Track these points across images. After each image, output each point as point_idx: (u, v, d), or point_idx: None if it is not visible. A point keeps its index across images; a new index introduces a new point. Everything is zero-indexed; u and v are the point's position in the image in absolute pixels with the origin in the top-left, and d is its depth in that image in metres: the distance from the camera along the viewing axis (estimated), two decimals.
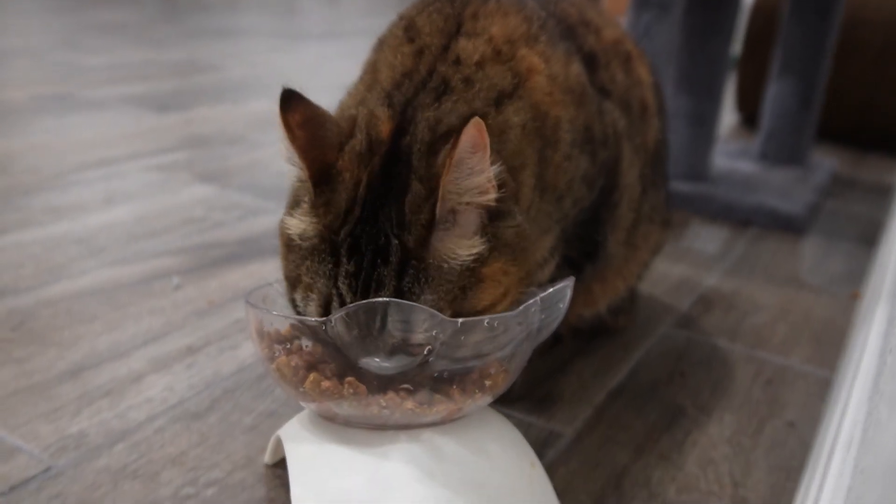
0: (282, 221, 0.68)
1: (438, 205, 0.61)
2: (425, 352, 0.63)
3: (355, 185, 0.64)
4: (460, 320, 0.62)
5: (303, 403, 0.68)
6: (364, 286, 0.62)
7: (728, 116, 2.52)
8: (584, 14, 0.94)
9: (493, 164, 0.63)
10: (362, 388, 0.63)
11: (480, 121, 0.59)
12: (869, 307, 1.04)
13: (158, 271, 1.18)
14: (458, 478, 0.64)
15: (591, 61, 0.88)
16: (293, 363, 0.65)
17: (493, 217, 0.65)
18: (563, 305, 0.69)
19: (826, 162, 2.04)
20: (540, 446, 0.84)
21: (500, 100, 0.72)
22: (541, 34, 0.79)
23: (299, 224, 0.65)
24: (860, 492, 0.42)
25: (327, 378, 0.64)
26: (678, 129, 1.70)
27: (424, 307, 0.61)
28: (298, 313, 0.67)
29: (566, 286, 0.69)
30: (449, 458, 0.65)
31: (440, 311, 0.62)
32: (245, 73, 2.72)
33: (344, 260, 0.63)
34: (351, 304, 0.61)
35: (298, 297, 0.65)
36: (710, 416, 0.93)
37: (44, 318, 1.02)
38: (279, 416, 0.85)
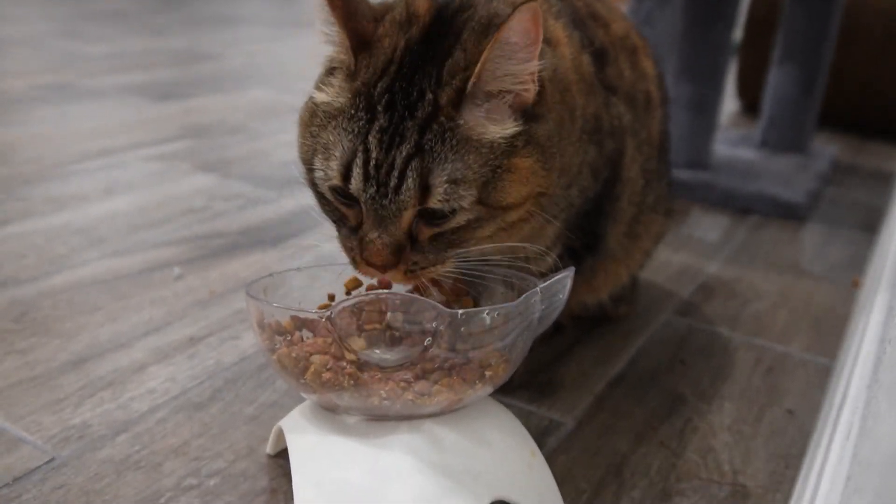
0: (306, 103, 0.68)
1: (473, 78, 0.61)
2: (426, 342, 0.63)
3: (393, 49, 0.64)
4: (460, 311, 0.62)
5: (304, 394, 0.68)
6: (390, 140, 0.62)
7: (728, 104, 2.52)
8: (592, 7, 0.94)
9: (540, 64, 0.63)
10: (363, 378, 0.63)
11: (538, 9, 0.59)
12: (869, 295, 1.04)
13: (160, 261, 1.18)
14: (458, 468, 0.64)
15: (601, 56, 0.87)
16: (294, 354, 0.66)
17: (527, 118, 0.65)
18: (563, 296, 0.69)
19: (827, 149, 2.04)
20: (540, 435, 0.85)
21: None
22: (560, 17, 0.79)
23: (328, 93, 0.65)
24: (859, 481, 0.42)
25: (328, 369, 0.64)
26: (679, 116, 1.69)
27: (425, 299, 0.61)
28: (315, 188, 0.67)
29: (566, 276, 0.69)
30: (449, 448, 0.65)
31: (465, 180, 0.61)
32: (245, 62, 2.71)
33: (380, 115, 0.63)
34: (349, 298, 0.62)
35: (318, 163, 0.65)
36: (710, 404, 0.94)
37: (46, 308, 1.02)
38: (281, 407, 0.86)
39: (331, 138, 0.64)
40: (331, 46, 0.66)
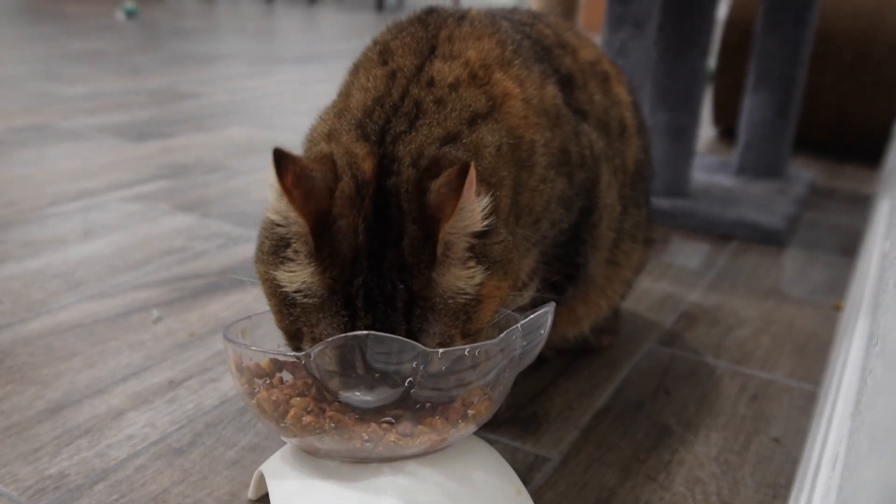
0: (266, 274, 0.65)
1: (439, 247, 0.61)
2: (406, 383, 0.62)
3: (354, 232, 0.62)
4: (441, 350, 0.61)
5: (284, 438, 0.67)
6: None
7: (705, 131, 2.54)
8: (561, 36, 0.94)
9: (482, 201, 0.63)
10: (344, 421, 0.62)
11: (471, 165, 0.60)
12: (850, 319, 1.05)
13: (139, 304, 1.17)
14: None
15: (567, 82, 0.88)
16: (274, 398, 0.65)
17: (479, 237, 0.65)
18: (545, 332, 0.69)
19: (804, 173, 2.06)
20: (526, 471, 0.84)
21: (474, 120, 0.72)
22: (514, 58, 0.79)
23: (296, 276, 0.62)
24: None
25: (309, 412, 0.63)
26: (657, 144, 1.70)
27: (404, 339, 0.60)
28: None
29: (547, 312, 0.69)
30: (434, 489, 0.64)
31: (451, 339, 0.62)
32: (224, 100, 2.71)
33: (361, 313, 0.62)
34: (330, 338, 0.61)
35: (307, 346, 0.64)
36: (696, 434, 0.93)
37: (22, 355, 1.01)
38: (262, 450, 0.84)
39: (316, 332, 0.63)
40: (276, 216, 0.63)
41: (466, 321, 0.63)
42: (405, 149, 0.66)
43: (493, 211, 0.67)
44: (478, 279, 0.63)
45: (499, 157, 0.72)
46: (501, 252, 0.66)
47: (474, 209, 0.61)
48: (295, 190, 0.61)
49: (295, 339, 0.64)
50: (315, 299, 0.62)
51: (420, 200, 0.63)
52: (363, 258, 0.62)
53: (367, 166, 0.65)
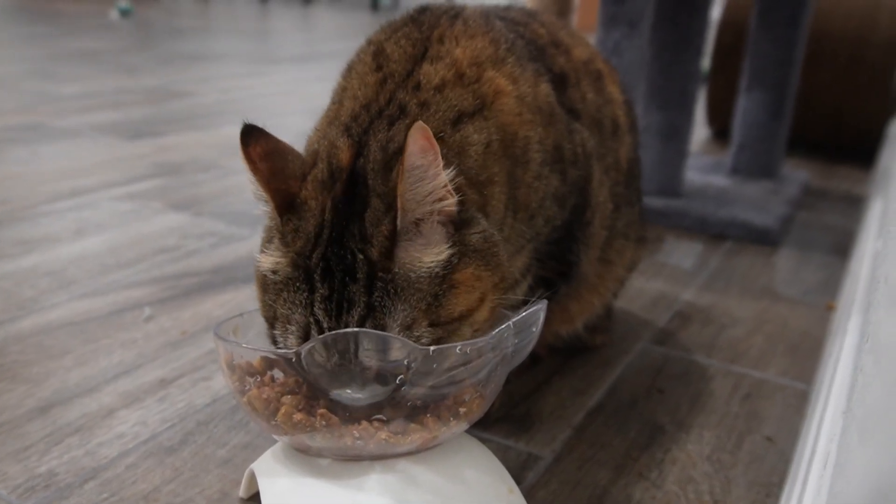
0: (255, 262, 0.67)
1: (399, 215, 0.61)
2: (397, 380, 0.62)
3: (321, 211, 0.64)
4: (432, 347, 0.61)
5: (275, 436, 0.67)
6: (337, 308, 0.62)
7: (699, 131, 2.54)
8: (555, 35, 0.94)
9: (448, 173, 0.63)
10: (335, 419, 0.62)
11: (424, 125, 0.59)
12: (842, 319, 1.05)
13: (131, 302, 1.16)
14: None
15: (561, 81, 0.88)
16: (265, 396, 0.65)
17: (458, 227, 0.65)
18: (537, 329, 0.69)
19: (798, 174, 2.06)
20: (519, 469, 0.84)
21: (459, 119, 0.72)
22: (508, 56, 0.79)
23: (270, 258, 0.65)
24: None
25: (299, 410, 0.63)
26: (650, 144, 1.71)
27: (395, 336, 0.60)
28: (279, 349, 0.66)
29: (539, 310, 0.69)
30: (425, 487, 0.64)
31: (414, 321, 0.61)
32: (218, 99, 2.71)
33: (318, 285, 0.62)
34: (320, 336, 0.61)
35: (278, 332, 0.65)
36: (688, 433, 0.93)
37: (13, 353, 1.00)
38: (254, 448, 0.84)
39: (283, 311, 0.64)
40: (264, 204, 0.66)
41: (435, 305, 0.62)
42: (375, 137, 0.67)
43: (481, 207, 0.66)
44: (445, 256, 0.63)
45: (488, 154, 0.72)
46: (481, 243, 0.66)
47: (426, 165, 0.60)
48: (261, 163, 0.63)
49: (272, 326, 0.65)
50: (282, 276, 0.64)
51: (385, 177, 0.64)
52: (326, 232, 0.63)
53: (344, 156, 0.66)
